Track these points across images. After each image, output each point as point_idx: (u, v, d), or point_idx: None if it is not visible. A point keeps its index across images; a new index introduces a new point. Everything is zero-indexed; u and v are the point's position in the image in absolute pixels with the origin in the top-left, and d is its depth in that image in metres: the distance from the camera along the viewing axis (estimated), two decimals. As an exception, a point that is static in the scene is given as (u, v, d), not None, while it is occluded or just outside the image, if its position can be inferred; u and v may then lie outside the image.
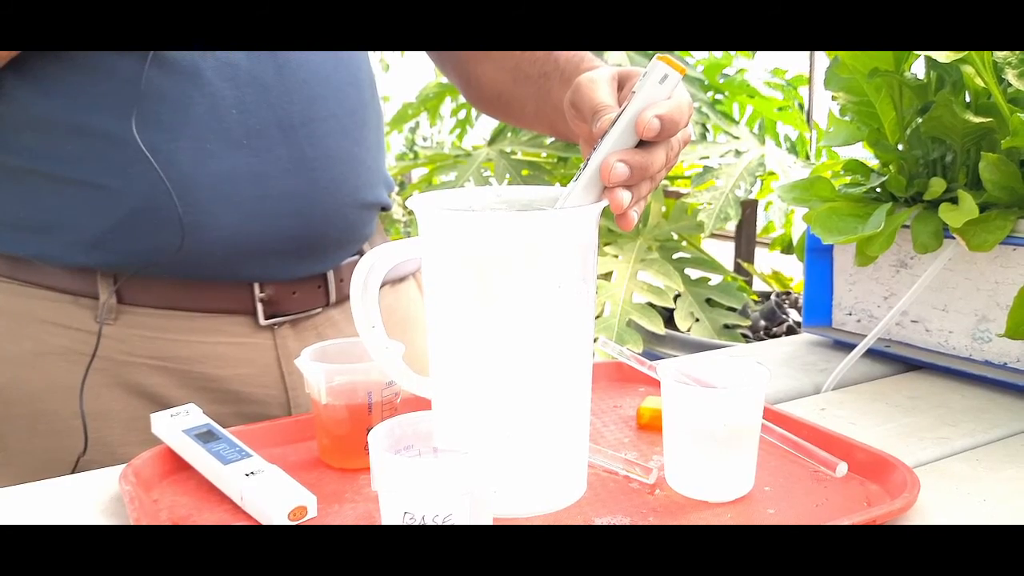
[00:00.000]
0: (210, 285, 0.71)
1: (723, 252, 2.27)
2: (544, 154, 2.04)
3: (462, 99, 1.90)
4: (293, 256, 0.73)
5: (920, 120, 0.78)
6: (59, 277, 0.69)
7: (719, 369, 0.58)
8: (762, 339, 1.69)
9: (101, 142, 0.65)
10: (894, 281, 0.83)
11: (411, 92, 2.34)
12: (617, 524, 0.52)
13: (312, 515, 0.53)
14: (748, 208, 2.09)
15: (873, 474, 0.57)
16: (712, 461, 0.54)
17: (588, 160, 0.53)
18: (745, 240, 2.19)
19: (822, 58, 2.03)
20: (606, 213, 0.56)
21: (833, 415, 0.71)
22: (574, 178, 0.53)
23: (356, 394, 0.60)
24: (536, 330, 0.51)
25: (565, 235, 0.51)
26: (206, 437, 0.58)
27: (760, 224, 2.27)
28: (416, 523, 0.43)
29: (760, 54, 2.03)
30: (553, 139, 1.95)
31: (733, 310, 1.74)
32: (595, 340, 0.61)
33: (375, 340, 0.55)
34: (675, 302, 1.69)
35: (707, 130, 1.89)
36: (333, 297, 0.77)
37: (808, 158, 1.96)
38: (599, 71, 0.60)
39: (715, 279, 1.78)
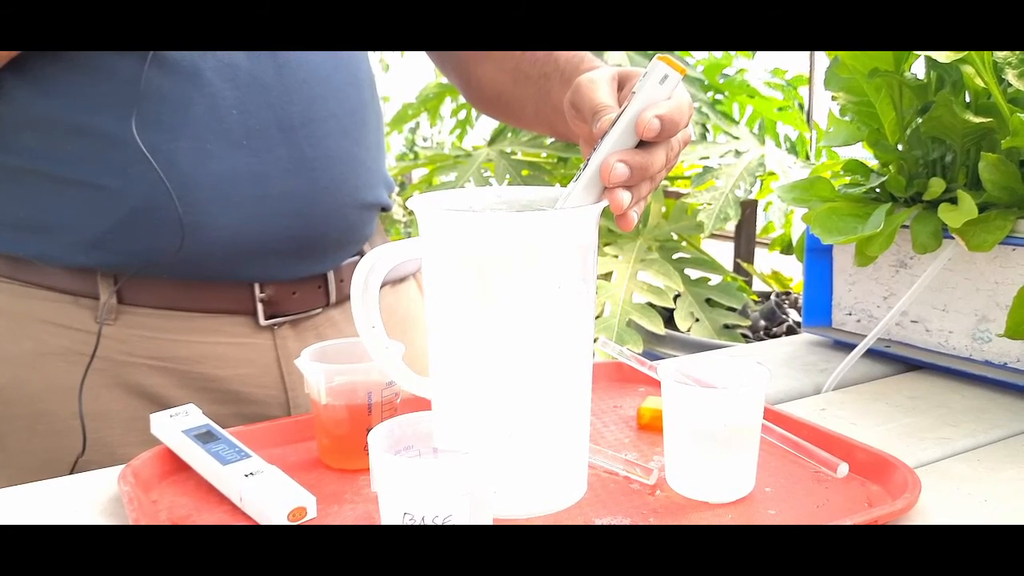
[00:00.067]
0: (210, 285, 0.71)
1: (723, 252, 2.27)
2: (544, 154, 2.04)
3: (462, 99, 1.90)
4: (293, 256, 0.73)
5: (920, 120, 0.78)
6: (59, 277, 0.69)
7: (719, 369, 0.58)
8: (762, 339, 1.69)
9: (101, 142, 0.65)
10: (894, 281, 0.83)
11: (411, 92, 2.34)
12: (617, 524, 0.52)
13: (312, 516, 0.53)
14: (748, 208, 2.09)
15: (874, 475, 0.57)
16: (712, 461, 0.54)
17: (588, 160, 0.53)
18: (745, 240, 2.19)
19: (822, 58, 2.03)
20: (606, 213, 0.56)
21: (833, 415, 0.71)
22: (574, 178, 0.53)
23: (356, 394, 0.60)
24: (536, 330, 0.51)
25: (565, 235, 0.51)
26: (205, 437, 0.58)
27: (760, 224, 2.27)
28: (416, 523, 0.43)
29: (760, 54, 2.03)
30: (553, 139, 1.95)
31: (733, 310, 1.74)
32: (595, 340, 0.61)
33: (375, 340, 0.55)
34: (675, 302, 1.69)
35: (707, 130, 1.89)
36: (333, 297, 0.77)
37: (808, 158, 1.96)
38: (599, 71, 0.59)
39: (715, 279, 1.78)
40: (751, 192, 1.73)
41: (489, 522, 0.46)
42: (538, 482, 0.54)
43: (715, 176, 1.71)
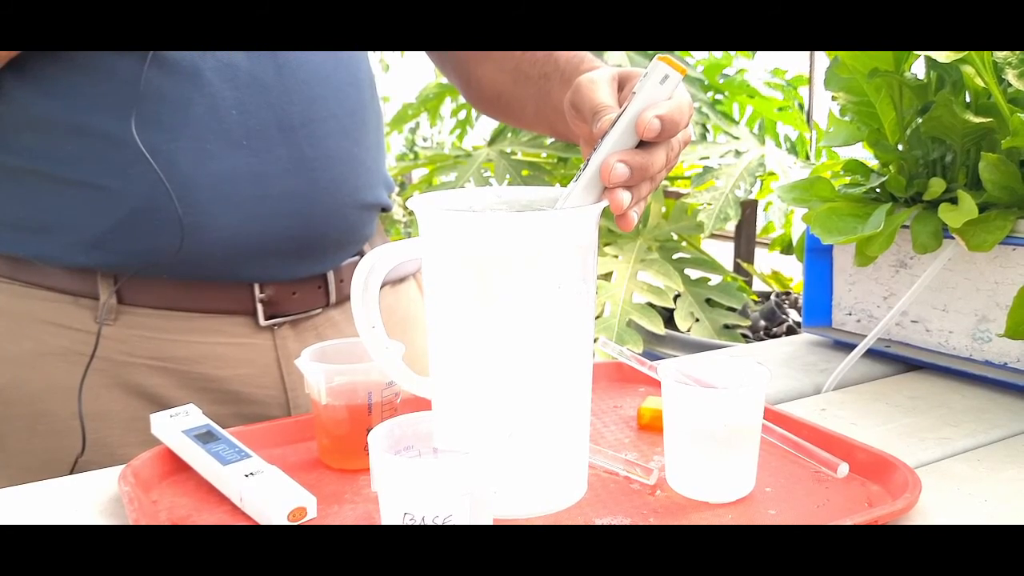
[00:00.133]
0: (210, 285, 0.71)
1: (723, 252, 2.27)
2: (544, 154, 2.04)
3: (462, 99, 1.90)
4: (293, 256, 0.72)
5: (920, 120, 0.78)
6: (59, 277, 0.69)
7: (719, 369, 0.58)
8: (762, 339, 1.69)
9: (101, 142, 0.65)
10: (894, 281, 0.83)
11: (411, 92, 2.34)
12: (617, 525, 0.52)
13: (312, 516, 0.53)
14: (748, 208, 2.09)
15: (874, 475, 0.57)
16: (713, 461, 0.54)
17: (588, 161, 0.53)
18: (745, 240, 2.19)
19: (822, 58, 2.03)
20: (606, 213, 0.56)
21: (834, 415, 0.71)
22: (574, 179, 0.53)
23: (356, 394, 0.60)
24: (536, 330, 0.51)
25: (565, 235, 0.51)
26: (205, 438, 0.58)
27: (760, 224, 2.27)
28: (416, 523, 0.43)
29: (760, 54, 2.03)
30: (553, 140, 1.95)
31: (733, 310, 1.74)
32: (595, 340, 0.61)
33: (375, 340, 0.55)
34: (675, 302, 1.69)
35: (707, 130, 1.89)
36: (333, 298, 0.77)
37: (808, 158, 1.97)
38: (599, 72, 0.59)
39: (715, 279, 1.78)
40: (751, 192, 1.74)
41: (489, 522, 0.46)
42: (538, 482, 0.54)
43: (715, 176, 1.71)
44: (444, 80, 2.07)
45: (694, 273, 1.75)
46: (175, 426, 0.59)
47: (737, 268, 2.13)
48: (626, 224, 0.54)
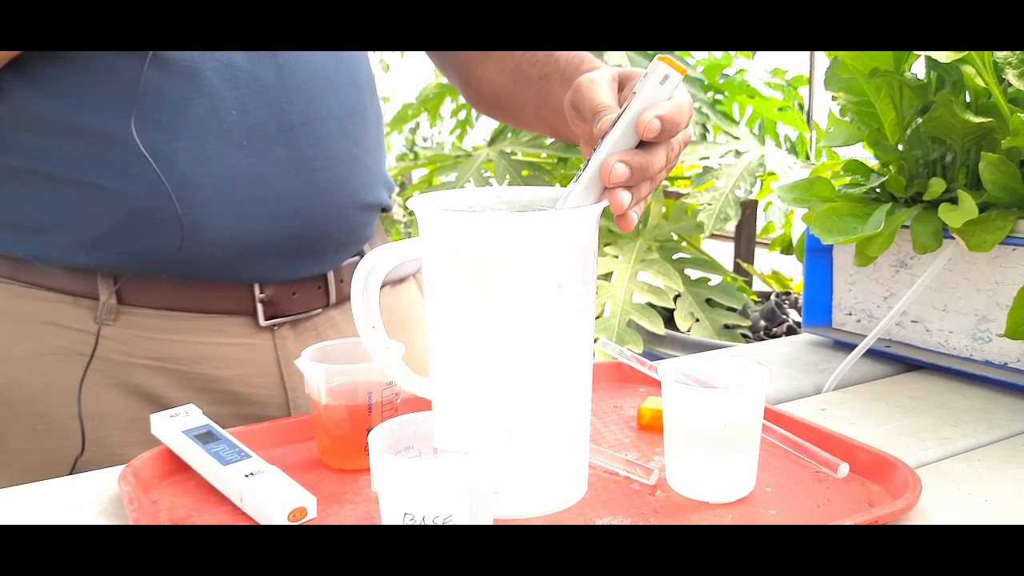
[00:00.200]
0: (210, 286, 0.71)
1: (723, 252, 2.27)
2: (544, 155, 2.04)
3: (462, 100, 1.91)
4: (293, 257, 0.72)
5: (920, 120, 0.78)
6: (59, 278, 0.69)
7: (719, 369, 0.58)
8: (762, 339, 1.69)
9: (101, 142, 0.65)
10: (894, 281, 0.83)
11: (411, 92, 2.34)
12: (617, 525, 0.52)
13: (312, 516, 0.53)
14: (748, 208, 2.09)
15: (875, 475, 0.57)
16: (713, 462, 0.54)
17: (588, 161, 0.53)
18: (745, 240, 2.19)
19: (822, 58, 2.03)
20: (606, 213, 0.56)
21: (834, 415, 0.71)
22: (574, 179, 0.53)
23: (356, 395, 0.60)
24: (536, 330, 0.51)
25: (565, 235, 0.51)
26: (206, 438, 0.58)
27: (760, 224, 2.27)
28: (416, 524, 0.43)
29: (760, 54, 2.03)
30: (553, 140, 1.95)
31: (733, 310, 1.74)
32: (595, 340, 0.61)
33: (375, 340, 0.55)
34: (675, 302, 1.69)
35: (707, 130, 1.89)
36: (333, 298, 0.77)
37: (808, 158, 1.97)
38: (599, 72, 0.59)
39: (715, 279, 1.78)
40: (751, 192, 1.74)
41: (489, 522, 0.46)
42: (538, 482, 0.54)
43: (715, 176, 1.71)
44: (444, 80, 2.07)
45: (694, 273, 1.75)
46: (175, 426, 0.59)
47: (737, 268, 2.13)
48: (626, 224, 0.54)
